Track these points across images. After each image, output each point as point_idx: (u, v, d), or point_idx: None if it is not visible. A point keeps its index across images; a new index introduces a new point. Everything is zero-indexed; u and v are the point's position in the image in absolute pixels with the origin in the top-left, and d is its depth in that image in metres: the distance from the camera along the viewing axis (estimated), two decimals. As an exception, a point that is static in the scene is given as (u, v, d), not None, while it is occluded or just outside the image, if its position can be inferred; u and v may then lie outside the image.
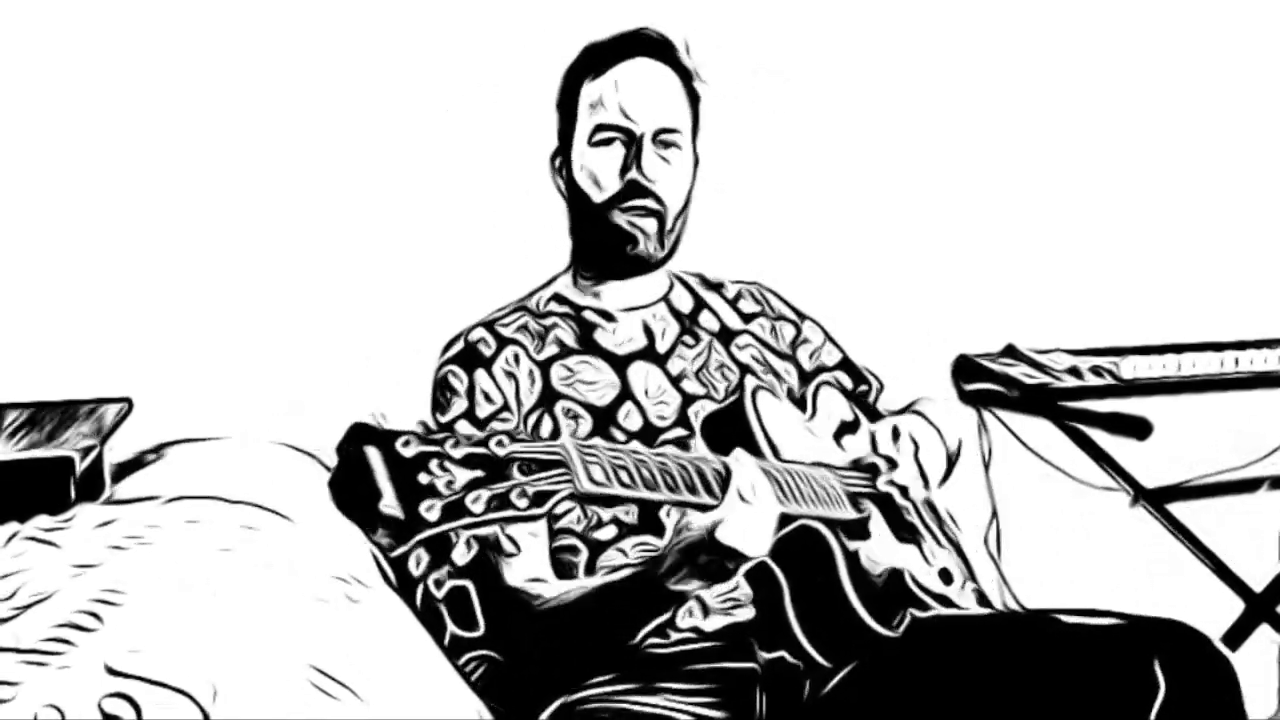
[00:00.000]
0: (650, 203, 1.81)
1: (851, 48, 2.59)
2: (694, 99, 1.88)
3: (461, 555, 1.35)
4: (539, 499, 1.30)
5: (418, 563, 1.39)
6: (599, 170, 1.83)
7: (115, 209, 2.33)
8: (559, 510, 1.73)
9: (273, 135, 2.36)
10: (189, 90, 2.34)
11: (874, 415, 1.96)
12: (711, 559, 1.52)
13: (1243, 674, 1.58)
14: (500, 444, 1.28)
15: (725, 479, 1.52)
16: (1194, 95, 2.74)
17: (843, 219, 2.59)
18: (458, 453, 1.26)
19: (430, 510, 1.23)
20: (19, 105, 2.30)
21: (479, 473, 1.27)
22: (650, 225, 1.82)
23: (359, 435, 1.25)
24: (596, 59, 1.85)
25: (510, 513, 1.28)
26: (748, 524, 1.51)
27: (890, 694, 1.60)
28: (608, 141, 1.82)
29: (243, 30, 2.36)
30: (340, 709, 1.33)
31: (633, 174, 1.81)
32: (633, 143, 1.81)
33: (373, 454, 1.24)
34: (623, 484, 1.41)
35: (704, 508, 1.51)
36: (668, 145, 1.83)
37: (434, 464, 1.25)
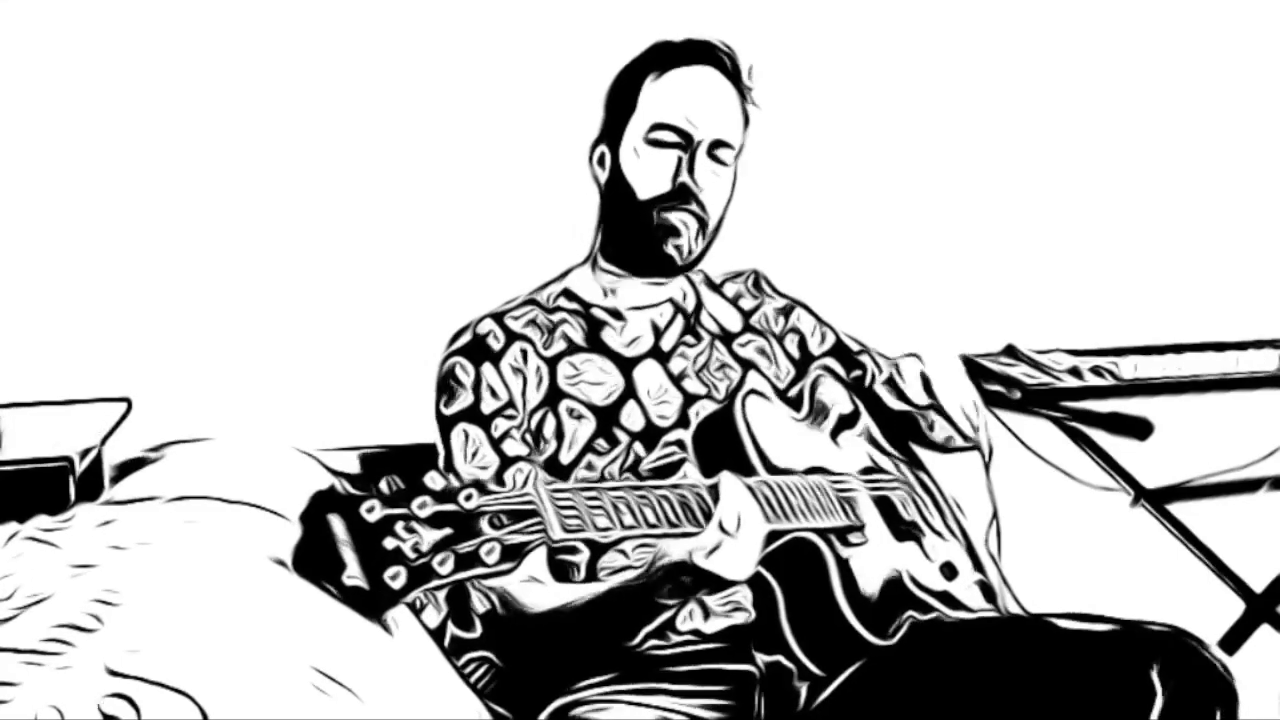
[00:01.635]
0: (694, 207, 1.82)
1: (852, 48, 2.59)
2: (745, 121, 1.89)
3: (432, 618, 1.33)
4: (511, 552, 1.28)
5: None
6: (651, 168, 1.82)
7: (115, 209, 2.33)
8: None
9: (273, 135, 2.36)
10: (190, 90, 2.34)
11: (871, 401, 1.95)
12: (693, 580, 1.53)
13: (1242, 675, 1.58)
14: (469, 497, 1.26)
15: (711, 504, 1.52)
16: (1194, 95, 2.74)
17: (842, 219, 2.58)
18: (424, 513, 1.24)
19: (395, 579, 1.21)
20: (19, 105, 2.30)
21: (447, 531, 1.24)
22: (692, 224, 1.82)
23: (321, 504, 1.23)
24: (664, 58, 1.85)
25: (480, 570, 1.26)
26: (728, 551, 1.51)
27: (887, 700, 1.60)
28: (663, 142, 1.82)
29: (244, 31, 2.35)
30: (340, 709, 1.32)
31: (684, 178, 1.81)
32: (689, 148, 1.82)
33: (335, 523, 1.22)
34: (598, 528, 1.40)
35: (688, 536, 1.51)
36: (718, 160, 1.83)
37: (400, 527, 1.22)
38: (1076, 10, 2.69)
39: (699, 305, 1.94)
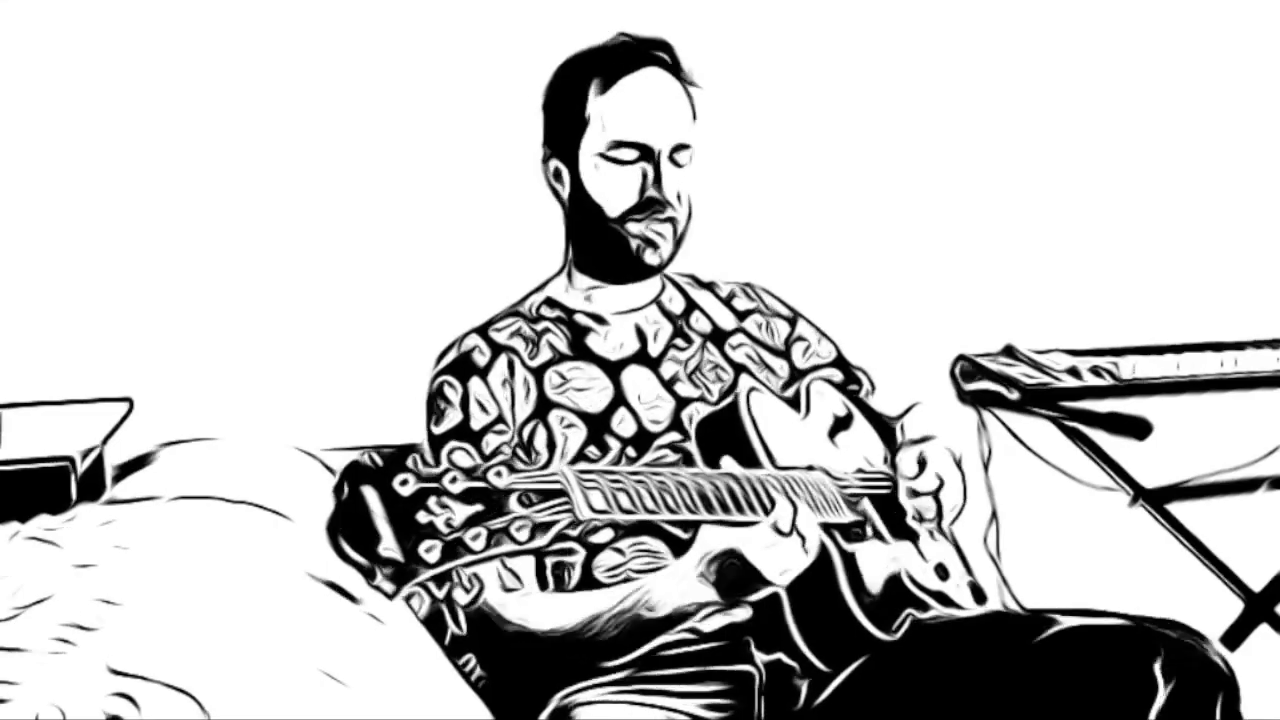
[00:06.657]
0: (667, 214, 1.82)
1: (850, 47, 2.59)
2: (694, 115, 1.88)
3: (463, 597, 1.35)
4: (539, 530, 1.30)
5: (420, 603, 1.39)
6: (616, 183, 1.81)
7: (115, 209, 2.33)
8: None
9: (273, 136, 2.36)
10: (189, 91, 2.34)
11: (866, 412, 1.96)
12: (738, 574, 1.57)
13: (1242, 674, 1.58)
14: (499, 474, 1.28)
15: (738, 494, 1.54)
16: (1194, 95, 2.74)
17: (842, 219, 2.59)
18: (456, 488, 1.26)
19: (430, 551, 1.23)
20: (20, 105, 2.30)
21: (478, 507, 1.26)
22: (667, 230, 1.83)
23: (355, 475, 1.25)
24: (605, 65, 1.84)
25: (511, 547, 1.28)
26: (779, 551, 1.56)
27: (890, 696, 1.60)
28: (624, 160, 1.81)
29: (243, 31, 2.36)
30: (340, 708, 1.33)
31: (652, 192, 1.81)
32: (652, 159, 1.81)
33: (370, 495, 1.24)
34: (623, 509, 1.42)
35: (727, 524, 1.54)
36: (677, 163, 1.83)
37: (432, 501, 1.24)
38: (1075, 9, 2.69)
39: (688, 307, 1.94)
